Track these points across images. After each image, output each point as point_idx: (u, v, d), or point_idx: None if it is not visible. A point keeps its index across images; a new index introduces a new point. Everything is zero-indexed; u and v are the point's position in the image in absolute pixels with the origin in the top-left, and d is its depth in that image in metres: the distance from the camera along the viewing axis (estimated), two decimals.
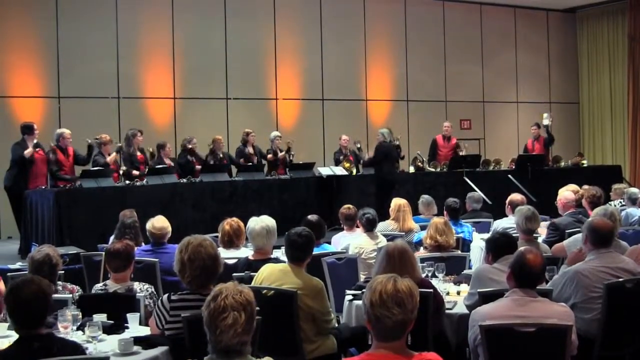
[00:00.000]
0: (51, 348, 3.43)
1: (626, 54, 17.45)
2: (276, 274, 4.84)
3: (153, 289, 5.05)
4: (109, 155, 10.77)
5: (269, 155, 12.44)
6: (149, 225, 6.52)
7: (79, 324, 4.19)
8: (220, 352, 2.91)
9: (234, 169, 12.04)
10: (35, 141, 10.16)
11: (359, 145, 13.28)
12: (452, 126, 13.93)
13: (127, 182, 10.40)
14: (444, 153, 13.50)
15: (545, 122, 14.06)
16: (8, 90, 12.47)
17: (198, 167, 11.42)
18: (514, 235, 5.45)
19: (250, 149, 12.26)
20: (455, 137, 13.85)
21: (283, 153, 12.52)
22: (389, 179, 11.39)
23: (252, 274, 5.22)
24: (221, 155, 11.94)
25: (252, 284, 4.82)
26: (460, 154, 13.46)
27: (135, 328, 4.30)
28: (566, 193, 7.78)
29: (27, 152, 10.00)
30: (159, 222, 6.48)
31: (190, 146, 11.65)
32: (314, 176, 12.16)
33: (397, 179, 11.72)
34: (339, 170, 12.15)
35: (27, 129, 10.20)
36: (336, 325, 5.03)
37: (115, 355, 3.84)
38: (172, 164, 11.38)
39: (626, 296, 4.65)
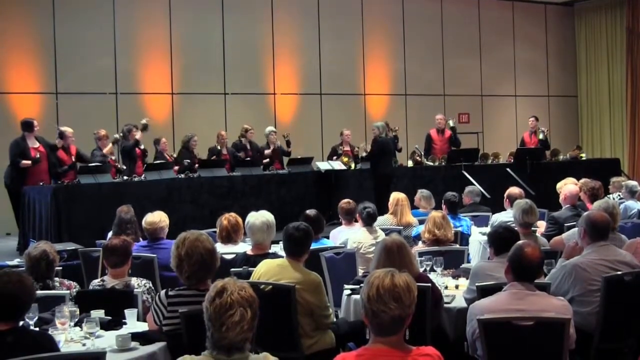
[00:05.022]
0: (25, 341, 3.44)
1: (624, 46, 17.44)
2: (274, 268, 4.84)
3: (151, 285, 5.05)
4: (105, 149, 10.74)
5: (266, 151, 12.42)
6: (143, 220, 6.52)
7: (76, 320, 4.18)
8: (222, 349, 2.89)
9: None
10: (35, 138, 10.11)
11: (357, 149, 13.21)
12: (445, 118, 13.84)
13: (125, 177, 10.39)
14: (439, 146, 13.45)
15: (451, 123, 13.74)
16: (6, 86, 12.44)
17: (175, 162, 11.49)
18: None
19: (247, 145, 12.28)
20: (448, 131, 13.79)
21: (272, 149, 12.50)
22: (385, 174, 11.31)
23: (250, 269, 5.22)
24: (224, 151, 11.99)
25: (250, 280, 4.81)
26: (451, 124, 13.43)
27: (133, 324, 4.29)
28: (570, 187, 7.77)
29: (24, 164, 9.91)
30: (151, 217, 6.47)
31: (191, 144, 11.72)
32: (313, 171, 12.14)
33: (394, 173, 11.64)
34: (338, 165, 12.14)
35: (27, 126, 10.09)
36: (334, 320, 5.03)
37: (113, 351, 3.83)
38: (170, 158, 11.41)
39: (625, 289, 4.64)
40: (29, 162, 9.90)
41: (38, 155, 9.99)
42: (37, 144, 10.10)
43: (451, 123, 13.50)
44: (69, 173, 10.18)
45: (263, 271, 4.86)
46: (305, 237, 4.91)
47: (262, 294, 4.48)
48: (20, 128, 10.19)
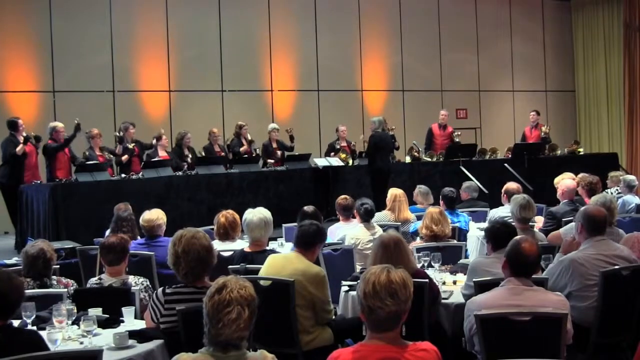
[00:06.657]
0: (15, 339, 3.45)
1: (621, 41, 17.43)
2: (279, 261, 4.86)
3: (148, 282, 5.05)
4: (98, 148, 10.70)
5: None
6: (140, 218, 6.51)
7: (74, 318, 4.18)
8: (218, 345, 2.90)
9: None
10: (24, 135, 10.12)
11: (353, 144, 13.17)
12: (448, 115, 13.90)
13: (123, 175, 10.38)
14: (440, 142, 13.45)
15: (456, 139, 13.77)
16: (2, 85, 12.42)
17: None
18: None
19: (244, 142, 12.23)
20: (450, 126, 13.79)
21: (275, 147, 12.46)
22: (382, 170, 11.28)
23: (247, 266, 5.21)
24: (217, 148, 11.95)
25: (257, 276, 4.81)
26: (457, 139, 13.45)
27: (130, 322, 4.29)
28: (568, 181, 7.77)
29: (19, 149, 9.93)
30: (148, 215, 6.47)
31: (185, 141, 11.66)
32: (310, 167, 12.12)
33: (391, 169, 11.61)
34: (335, 161, 12.11)
35: (13, 126, 10.12)
36: (334, 316, 5.03)
37: (111, 349, 3.83)
38: (168, 156, 11.35)
39: (622, 284, 4.64)
40: (23, 146, 9.95)
41: (33, 134, 10.10)
42: (26, 142, 10.15)
43: (456, 139, 13.50)
44: (63, 170, 10.26)
45: (267, 265, 4.86)
46: (317, 231, 4.95)
47: (261, 289, 4.50)
48: (7, 127, 10.19)
